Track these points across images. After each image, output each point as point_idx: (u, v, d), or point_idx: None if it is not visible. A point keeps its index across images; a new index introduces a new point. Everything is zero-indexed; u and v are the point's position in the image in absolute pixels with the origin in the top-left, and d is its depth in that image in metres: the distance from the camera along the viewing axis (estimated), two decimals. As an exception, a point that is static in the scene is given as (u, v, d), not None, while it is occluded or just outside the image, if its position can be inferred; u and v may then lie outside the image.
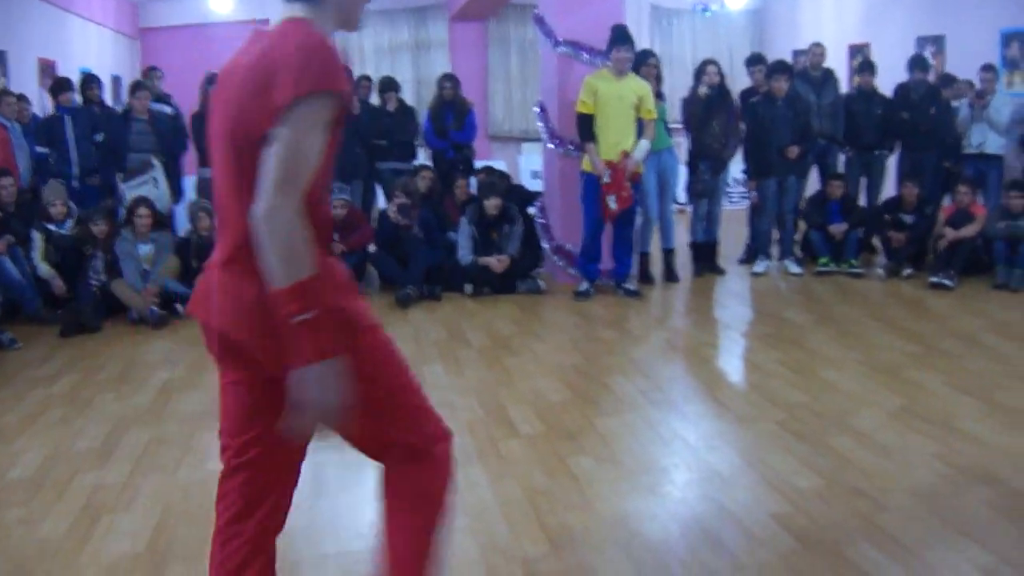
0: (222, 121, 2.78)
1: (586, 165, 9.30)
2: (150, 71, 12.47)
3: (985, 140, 10.48)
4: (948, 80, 11.39)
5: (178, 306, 9.48)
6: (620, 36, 9.20)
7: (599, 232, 9.40)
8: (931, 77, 11.26)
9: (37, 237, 9.60)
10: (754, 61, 11.36)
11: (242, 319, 2.77)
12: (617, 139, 9.09)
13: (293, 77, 2.57)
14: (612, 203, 9.09)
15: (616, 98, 9.08)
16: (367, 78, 12.22)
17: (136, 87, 11.07)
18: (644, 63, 9.77)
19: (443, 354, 7.64)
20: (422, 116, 12.03)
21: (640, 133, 9.22)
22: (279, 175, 2.55)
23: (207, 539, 4.39)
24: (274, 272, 2.55)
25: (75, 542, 4.50)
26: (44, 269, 9.53)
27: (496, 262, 9.79)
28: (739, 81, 12.61)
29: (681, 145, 10.88)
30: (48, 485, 5.29)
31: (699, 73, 10.22)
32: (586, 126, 9.21)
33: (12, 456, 5.79)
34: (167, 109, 11.54)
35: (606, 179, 9.01)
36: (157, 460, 5.58)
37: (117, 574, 4.19)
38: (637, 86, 9.22)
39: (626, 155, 9.06)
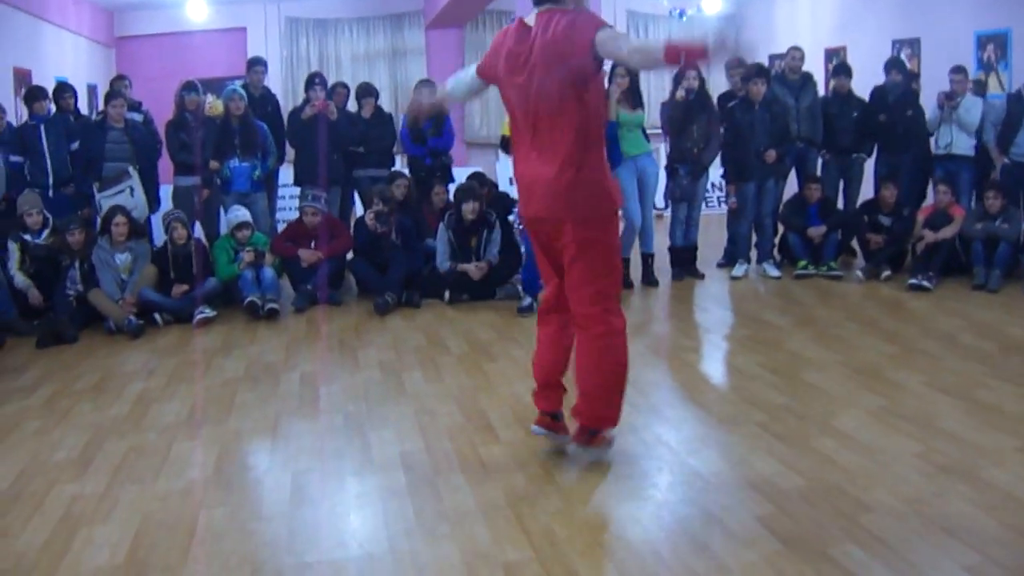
0: (551, 73, 4.76)
1: None
2: (117, 80, 12.40)
3: (953, 141, 10.49)
4: (912, 77, 11.42)
5: (156, 316, 9.44)
6: None
7: None
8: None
9: (13, 247, 9.56)
10: (733, 65, 11.38)
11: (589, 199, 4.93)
12: None
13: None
14: None
15: None
16: (343, 85, 12.16)
17: (111, 96, 11.00)
18: (612, 72, 9.69)
19: (422, 361, 7.62)
20: (399, 123, 11.98)
21: None
22: (623, 42, 4.69)
23: (186, 549, 4.43)
24: (656, 53, 4.46)
25: (53, 555, 4.46)
26: (20, 279, 9.50)
27: (475, 269, 9.78)
28: (717, 85, 12.62)
29: (661, 150, 10.86)
30: (25, 497, 5.24)
31: (678, 77, 10.22)
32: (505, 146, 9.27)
33: (-12, 469, 5.76)
34: (137, 117, 11.47)
35: None
36: (135, 471, 5.54)
37: (96, 586, 4.17)
38: None
39: None
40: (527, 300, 9.38)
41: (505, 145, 9.35)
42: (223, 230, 10.61)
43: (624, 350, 5.11)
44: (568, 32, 4.68)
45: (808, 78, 11.22)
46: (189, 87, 11.23)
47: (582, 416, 5.17)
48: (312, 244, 10.01)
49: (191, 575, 4.19)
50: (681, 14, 16.66)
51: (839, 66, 11.57)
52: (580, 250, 4.95)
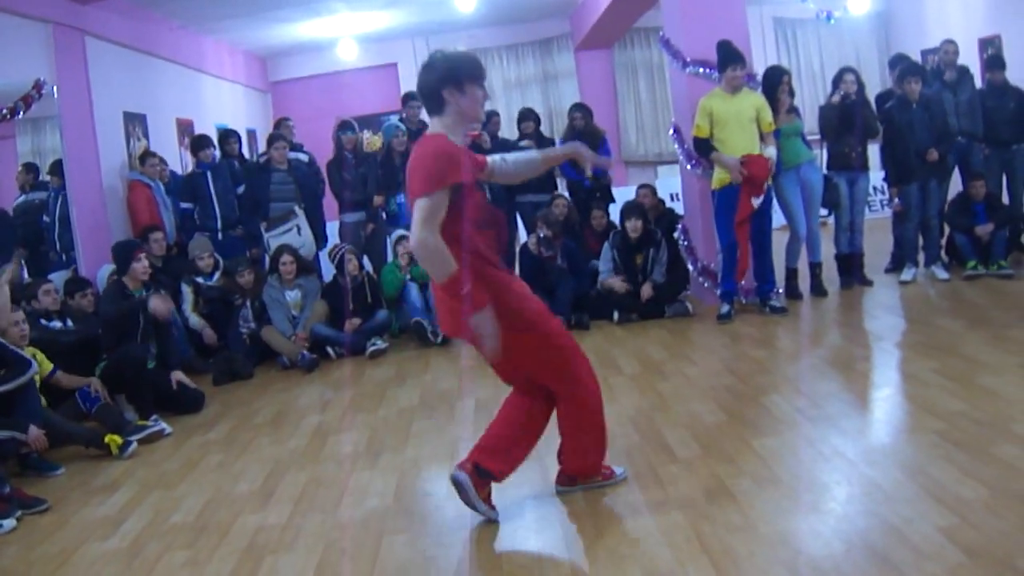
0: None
1: (716, 183, 9.30)
2: (281, 122, 12.77)
3: None
4: None
5: (329, 350, 9.67)
6: (733, 55, 9.21)
7: (735, 249, 9.37)
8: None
9: (187, 290, 9.97)
10: (897, 62, 11.20)
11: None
12: (743, 153, 9.07)
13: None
14: (756, 202, 9.07)
15: (734, 114, 9.11)
16: (496, 113, 12.32)
17: (274, 138, 11.36)
18: (779, 81, 9.70)
19: (595, 382, 7.68)
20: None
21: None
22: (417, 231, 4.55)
23: (371, 576, 4.51)
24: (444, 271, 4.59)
25: (241, 582, 4.66)
26: (195, 320, 9.91)
27: (620, 283, 9.87)
28: (870, 86, 12.44)
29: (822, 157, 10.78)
30: (211, 528, 5.48)
31: (837, 81, 10.15)
32: (703, 148, 9.26)
33: (175, 501, 6.08)
34: (303, 156, 11.80)
35: (741, 174, 9.01)
36: (316, 501, 5.72)
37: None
38: (753, 100, 9.25)
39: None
40: (725, 307, 9.44)
41: (701, 147, 9.36)
42: (390, 259, 10.86)
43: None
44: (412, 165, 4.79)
45: (964, 71, 11.03)
46: (345, 126, 11.51)
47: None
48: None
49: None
50: (828, 16, 16.48)
51: (991, 59, 11.32)
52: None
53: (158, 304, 8.34)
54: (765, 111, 9.23)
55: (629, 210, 10.04)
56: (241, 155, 12.27)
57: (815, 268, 10.07)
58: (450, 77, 4.77)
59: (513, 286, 5.02)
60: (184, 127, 13.26)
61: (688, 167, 10.14)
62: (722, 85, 9.31)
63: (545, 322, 5.07)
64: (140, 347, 8.29)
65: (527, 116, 11.78)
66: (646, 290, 9.84)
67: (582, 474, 5.32)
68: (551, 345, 5.06)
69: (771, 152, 9.19)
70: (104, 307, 8.44)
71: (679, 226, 10.51)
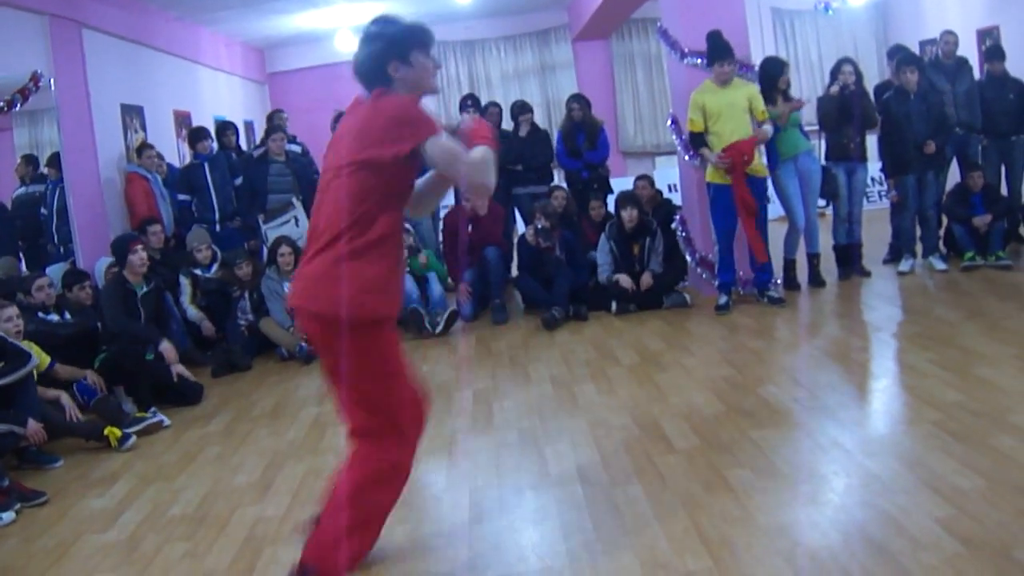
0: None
1: (710, 176, 9.32)
2: (275, 114, 12.77)
3: None
4: None
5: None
6: (720, 49, 9.21)
7: (731, 241, 9.40)
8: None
9: (185, 282, 9.94)
10: (895, 53, 11.18)
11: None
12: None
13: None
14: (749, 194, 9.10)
15: (727, 106, 9.12)
16: (495, 104, 12.31)
17: (272, 130, 11.35)
18: (781, 74, 9.69)
19: (594, 374, 7.69)
20: (555, 138, 12.05)
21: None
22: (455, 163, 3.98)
23: (369, 568, 4.54)
24: (485, 154, 3.98)
25: (239, 574, 4.71)
26: (193, 312, 9.88)
27: (627, 278, 9.84)
28: (868, 77, 12.42)
29: (820, 147, 10.76)
30: (210, 519, 5.50)
31: (835, 72, 10.12)
32: (697, 143, 9.32)
33: (173, 493, 6.09)
34: (295, 148, 11.81)
35: (724, 164, 9.05)
36: (315, 492, 5.70)
37: (283, 604, 4.34)
38: (745, 90, 9.24)
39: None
40: (723, 298, 9.44)
41: (695, 140, 9.35)
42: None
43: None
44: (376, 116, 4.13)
45: (963, 63, 10.99)
46: (341, 116, 11.46)
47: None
48: (469, 228, 10.43)
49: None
50: (826, 8, 16.46)
51: (991, 49, 11.30)
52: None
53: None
54: (757, 100, 9.20)
55: (624, 200, 10.02)
56: (239, 147, 12.27)
57: (813, 259, 10.06)
58: (391, 50, 4.13)
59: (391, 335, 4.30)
60: (181, 119, 13.26)
61: (686, 158, 10.11)
62: (711, 78, 9.32)
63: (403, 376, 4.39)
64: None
65: (525, 109, 11.79)
66: (646, 279, 9.82)
67: (320, 561, 4.10)
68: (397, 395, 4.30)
69: (767, 128, 9.19)
70: (112, 314, 8.43)
71: (676, 217, 10.48)
